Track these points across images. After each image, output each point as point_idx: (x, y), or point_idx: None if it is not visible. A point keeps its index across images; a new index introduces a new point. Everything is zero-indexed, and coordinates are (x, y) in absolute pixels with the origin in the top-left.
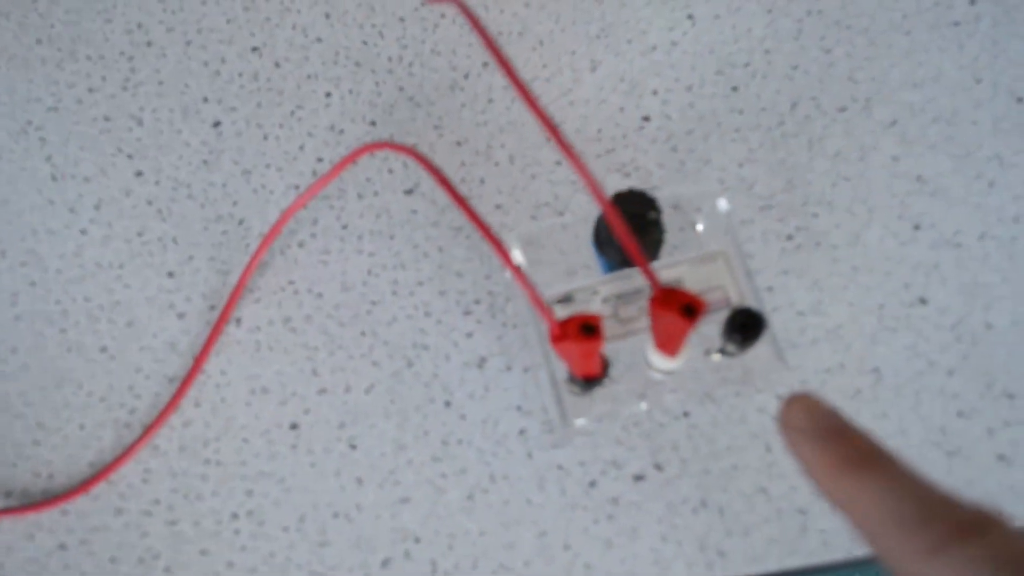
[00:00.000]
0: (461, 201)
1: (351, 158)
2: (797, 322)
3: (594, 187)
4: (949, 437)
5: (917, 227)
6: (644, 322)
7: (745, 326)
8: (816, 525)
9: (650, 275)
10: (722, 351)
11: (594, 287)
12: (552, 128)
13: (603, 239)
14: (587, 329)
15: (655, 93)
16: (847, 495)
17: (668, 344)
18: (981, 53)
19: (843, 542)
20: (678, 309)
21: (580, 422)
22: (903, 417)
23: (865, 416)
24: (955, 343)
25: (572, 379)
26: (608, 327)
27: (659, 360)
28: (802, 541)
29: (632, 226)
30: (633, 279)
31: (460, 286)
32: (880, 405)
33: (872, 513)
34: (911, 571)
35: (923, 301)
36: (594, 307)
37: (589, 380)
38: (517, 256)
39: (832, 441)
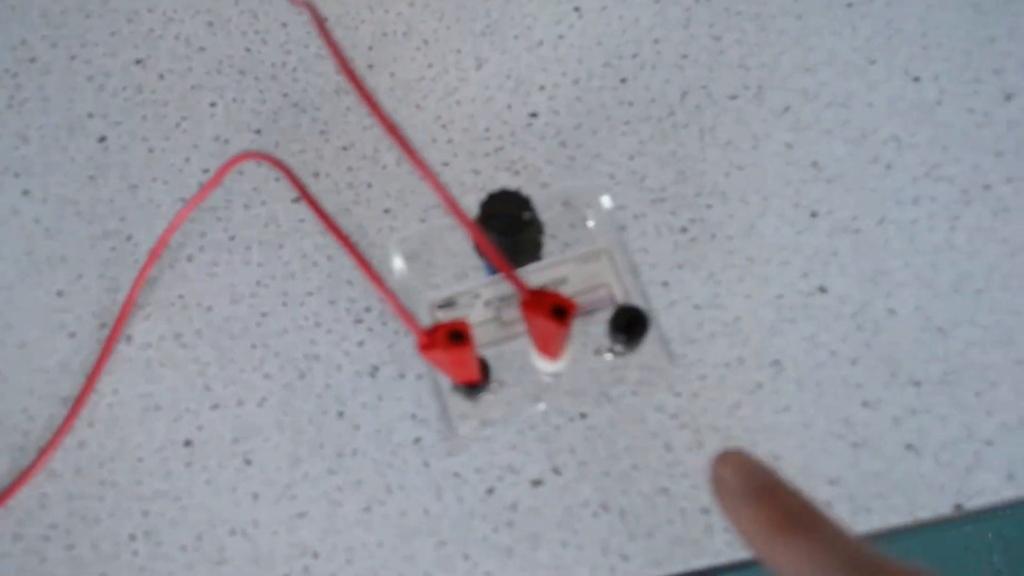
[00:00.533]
0: (317, 208)
1: (221, 173)
2: (694, 316)
3: (444, 193)
4: (854, 428)
5: (814, 214)
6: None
7: (629, 324)
8: (721, 524)
9: (514, 279)
10: (611, 350)
11: (476, 290)
12: (399, 136)
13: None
14: (455, 336)
15: (542, 88)
16: (779, 558)
17: (547, 347)
18: (875, 34)
19: None
20: (548, 311)
21: (464, 429)
22: (806, 410)
23: (767, 410)
24: (857, 332)
25: (456, 386)
26: (491, 331)
27: (543, 363)
28: (707, 541)
29: (507, 227)
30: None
31: (350, 294)
32: (782, 398)
33: None
34: None
35: (823, 290)
36: (476, 311)
37: (472, 387)
38: (398, 262)
39: (763, 501)
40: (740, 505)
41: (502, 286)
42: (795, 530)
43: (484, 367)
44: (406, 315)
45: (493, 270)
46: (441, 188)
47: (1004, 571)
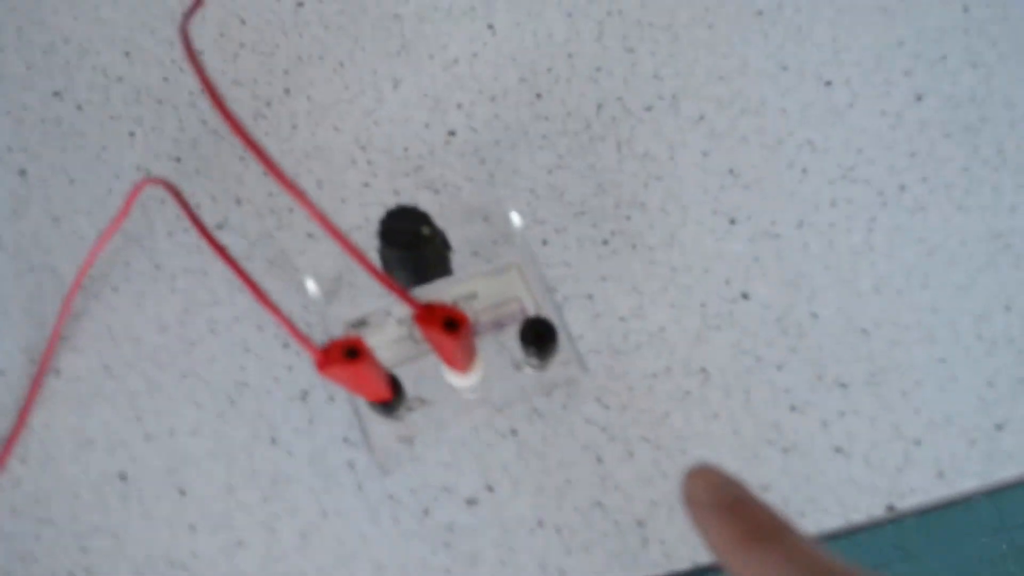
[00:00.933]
0: (207, 234)
1: (128, 203)
2: (619, 328)
3: (312, 210)
4: (784, 433)
5: (733, 221)
6: None
7: (538, 336)
8: (656, 536)
9: (402, 294)
10: (528, 363)
11: (387, 309)
12: (269, 163)
13: (386, 262)
14: (350, 353)
15: (459, 106)
16: (748, 570)
17: (451, 360)
18: (786, 40)
19: (685, 551)
20: (440, 325)
21: (381, 445)
22: (735, 416)
23: (696, 419)
24: (782, 336)
25: (371, 405)
26: (404, 348)
27: (455, 378)
28: (644, 553)
29: (407, 243)
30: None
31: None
32: (710, 406)
33: None
34: None
35: (745, 296)
36: (389, 329)
37: (386, 405)
38: (311, 286)
39: (734, 515)
40: (710, 519)
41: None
42: (763, 542)
43: (395, 384)
44: (298, 334)
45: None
46: (312, 207)
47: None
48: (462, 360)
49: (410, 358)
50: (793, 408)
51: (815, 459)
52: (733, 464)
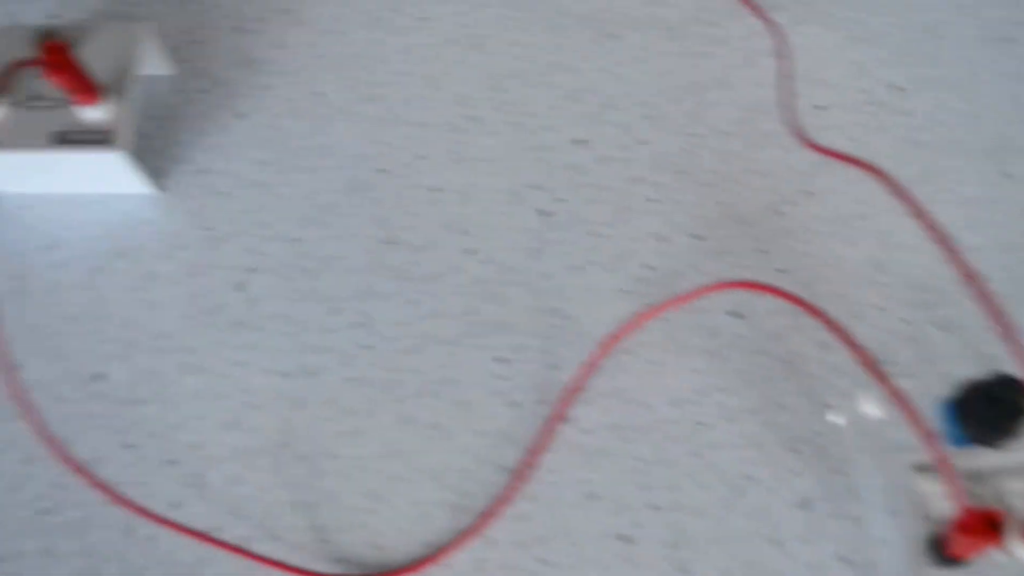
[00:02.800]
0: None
1: (712, 289)
2: None
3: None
4: None
5: None
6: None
7: None
8: None
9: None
10: None
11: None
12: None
13: (969, 413)
14: (994, 525)
15: (977, 250)
16: None
17: None
18: None
19: None
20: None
21: None
22: None
23: None
24: None
25: (934, 553)
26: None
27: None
28: None
29: (1005, 412)
30: (983, 458)
31: (784, 420)
32: None
33: None
34: None
35: None
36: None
37: (956, 561)
38: (871, 410)
39: None
40: None
41: (971, 459)
42: None
43: None
44: (959, 487)
45: (959, 441)
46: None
47: None
48: None
49: None
50: None
51: None
52: None
